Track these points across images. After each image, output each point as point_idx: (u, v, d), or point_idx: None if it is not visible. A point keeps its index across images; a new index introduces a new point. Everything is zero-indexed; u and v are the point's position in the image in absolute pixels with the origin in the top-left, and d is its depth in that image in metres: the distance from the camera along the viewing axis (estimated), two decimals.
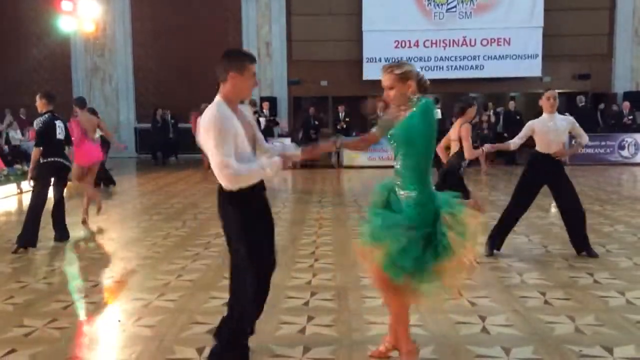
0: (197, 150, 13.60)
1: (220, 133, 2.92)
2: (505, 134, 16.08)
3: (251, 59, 3.15)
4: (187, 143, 16.72)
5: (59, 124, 6.71)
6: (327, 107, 18.52)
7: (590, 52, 17.90)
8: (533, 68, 17.55)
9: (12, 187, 10.95)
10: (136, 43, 18.43)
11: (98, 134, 9.02)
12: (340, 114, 16.44)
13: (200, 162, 15.14)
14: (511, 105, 16.26)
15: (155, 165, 16.80)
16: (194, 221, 8.04)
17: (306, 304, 4.43)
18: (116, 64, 18.44)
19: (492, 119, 15.96)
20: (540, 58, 17.50)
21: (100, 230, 7.49)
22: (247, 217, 3.09)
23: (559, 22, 17.38)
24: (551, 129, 5.64)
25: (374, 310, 4.23)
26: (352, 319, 4.11)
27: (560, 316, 4.08)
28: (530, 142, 5.85)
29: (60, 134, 6.65)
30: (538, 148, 5.78)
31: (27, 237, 6.34)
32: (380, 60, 17.61)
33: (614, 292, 4.59)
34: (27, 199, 9.69)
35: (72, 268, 5.86)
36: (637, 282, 4.86)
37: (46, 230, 7.76)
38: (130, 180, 13.57)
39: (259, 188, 3.17)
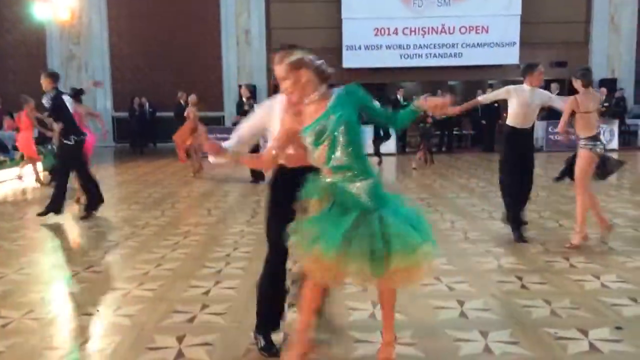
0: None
1: None
2: (483, 121, 16.24)
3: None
4: (165, 131, 16.67)
5: (66, 98, 7.09)
6: None
7: (567, 39, 18.06)
8: (511, 55, 17.66)
9: None
10: (112, 30, 18.15)
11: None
12: None
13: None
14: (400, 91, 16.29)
15: (133, 154, 16.62)
16: (173, 210, 7.99)
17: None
18: (92, 51, 18.14)
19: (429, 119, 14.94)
20: (517, 45, 17.62)
21: (78, 220, 7.41)
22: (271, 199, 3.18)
23: (537, 10, 17.50)
24: (529, 102, 5.71)
25: (354, 295, 4.26)
26: (333, 305, 4.11)
27: (537, 300, 4.14)
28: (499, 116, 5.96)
29: (72, 108, 7.02)
30: (511, 122, 5.85)
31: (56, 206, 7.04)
32: (360, 48, 17.62)
33: (589, 276, 4.67)
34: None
35: (49, 258, 5.80)
36: (612, 266, 4.95)
37: (23, 220, 7.65)
38: (108, 169, 13.41)
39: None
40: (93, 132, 10.64)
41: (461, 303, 4.08)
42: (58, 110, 6.97)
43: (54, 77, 7.10)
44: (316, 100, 2.82)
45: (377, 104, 2.96)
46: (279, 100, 3.04)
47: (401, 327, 3.65)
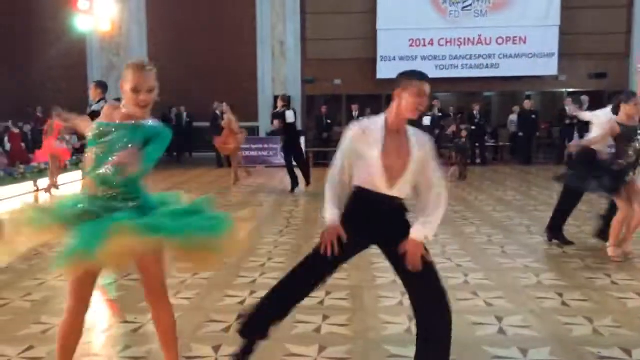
0: (212, 149, 13.62)
1: None
2: (521, 133, 15.99)
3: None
4: (202, 141, 16.90)
5: None
6: (340, 106, 18.51)
7: (607, 50, 17.70)
8: (549, 67, 17.39)
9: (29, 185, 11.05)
10: (151, 41, 18.52)
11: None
12: (353, 113, 16.45)
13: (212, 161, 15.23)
14: (527, 104, 16.13)
15: (169, 163, 16.87)
16: None
17: (321, 302, 4.43)
18: None
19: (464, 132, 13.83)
20: (556, 56, 17.34)
21: None
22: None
23: (576, 20, 17.20)
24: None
25: (390, 309, 4.23)
26: (367, 318, 4.10)
27: (578, 317, 4.04)
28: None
29: None
30: (598, 147, 5.71)
31: None
32: (394, 59, 17.58)
33: (632, 294, 4.54)
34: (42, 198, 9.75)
35: None
36: None
37: None
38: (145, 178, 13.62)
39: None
40: None
41: (500, 319, 4.01)
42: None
43: (102, 86, 7.30)
44: (131, 114, 2.71)
45: (155, 157, 2.69)
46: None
47: None
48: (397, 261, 3.00)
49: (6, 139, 14.50)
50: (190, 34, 17.96)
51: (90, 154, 2.69)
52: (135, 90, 2.65)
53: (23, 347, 3.59)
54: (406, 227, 2.98)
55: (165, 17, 18.15)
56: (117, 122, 2.70)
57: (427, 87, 2.98)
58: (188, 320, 4.05)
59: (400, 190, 3.00)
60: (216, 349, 3.54)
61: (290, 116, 10.88)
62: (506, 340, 3.70)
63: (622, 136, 5.42)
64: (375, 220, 3.01)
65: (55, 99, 15.46)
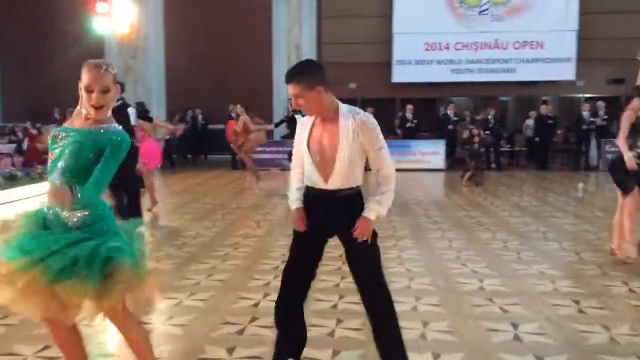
0: (227, 151, 13.71)
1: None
2: (537, 139, 15.86)
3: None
4: (217, 144, 16.98)
5: (130, 110, 7.23)
6: None
7: (626, 56, 17.48)
8: (566, 72, 17.24)
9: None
10: (168, 45, 18.65)
11: None
12: None
13: (227, 163, 15.29)
14: (544, 109, 16.00)
15: (185, 165, 16.98)
16: (223, 222, 8.10)
17: (335, 307, 4.42)
18: (148, 65, 18.68)
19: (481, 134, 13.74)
20: (574, 62, 17.19)
21: None
22: None
23: (595, 25, 17.04)
24: None
25: (404, 314, 4.20)
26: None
27: (595, 325, 4.00)
28: None
29: (134, 120, 7.18)
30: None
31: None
32: (410, 63, 17.55)
33: None
34: None
35: None
36: None
37: None
38: (160, 180, 13.73)
39: None
40: (159, 142, 10.95)
41: (515, 326, 3.97)
42: (120, 120, 7.20)
43: (120, 87, 7.35)
44: (90, 118, 2.64)
45: (109, 166, 2.58)
46: None
47: (453, 349, 3.59)
48: (348, 252, 3.09)
49: (26, 140, 14.68)
50: (207, 38, 18.06)
51: (49, 158, 2.64)
52: (88, 89, 2.57)
53: (39, 347, 3.62)
54: (358, 216, 3.01)
55: (183, 21, 18.27)
56: (76, 127, 2.63)
57: (289, 89, 2.96)
58: (202, 322, 4.07)
59: (337, 182, 2.98)
60: (230, 351, 3.54)
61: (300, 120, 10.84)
62: (522, 347, 3.66)
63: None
64: (323, 215, 3.04)
65: (74, 101, 15.54)
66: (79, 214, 2.58)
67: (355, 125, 2.93)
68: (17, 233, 2.54)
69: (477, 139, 12.54)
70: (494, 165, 15.64)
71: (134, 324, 2.79)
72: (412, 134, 16.14)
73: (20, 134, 15.15)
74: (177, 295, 4.66)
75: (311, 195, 3.08)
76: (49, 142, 2.64)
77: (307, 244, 3.12)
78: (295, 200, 3.16)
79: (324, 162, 2.97)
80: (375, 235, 3.06)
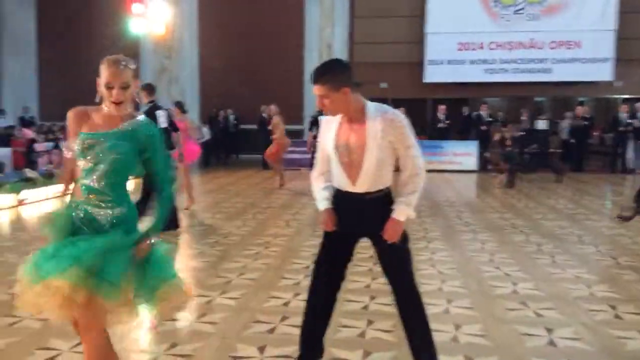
0: (258, 150, 13.77)
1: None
2: (572, 140, 15.54)
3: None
4: (248, 143, 17.12)
5: (161, 112, 7.23)
6: None
7: None
8: (604, 72, 16.86)
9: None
10: (202, 45, 18.87)
11: None
12: None
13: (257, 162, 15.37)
14: (579, 110, 15.67)
15: (217, 164, 17.15)
16: (254, 220, 8.15)
17: (365, 307, 4.41)
18: (182, 65, 18.93)
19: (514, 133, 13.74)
20: (611, 62, 16.80)
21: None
22: None
23: (634, 25, 16.62)
24: None
25: (436, 317, 4.16)
26: None
27: (632, 331, 3.90)
28: None
29: (163, 122, 7.14)
30: None
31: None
32: (442, 62, 17.39)
33: None
34: None
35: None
36: None
37: None
38: (193, 179, 13.88)
39: None
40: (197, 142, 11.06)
41: (549, 331, 3.90)
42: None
43: (151, 89, 7.38)
44: (117, 116, 2.62)
45: (164, 159, 2.70)
46: None
47: (486, 353, 3.54)
48: (379, 254, 3.08)
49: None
50: (240, 38, 18.21)
51: (80, 166, 2.62)
52: (108, 86, 2.56)
53: (74, 342, 3.69)
54: (387, 217, 2.97)
55: (216, 21, 18.46)
56: (102, 131, 2.60)
57: (314, 90, 2.90)
58: (234, 320, 4.10)
59: (365, 184, 2.92)
60: (261, 349, 3.56)
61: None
62: (556, 352, 3.60)
63: None
64: (352, 217, 3.00)
65: None
66: (113, 212, 2.60)
67: (383, 124, 2.86)
68: (56, 239, 2.55)
69: (509, 142, 12.37)
70: (527, 167, 15.35)
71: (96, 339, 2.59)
72: (444, 135, 15.99)
73: (57, 133, 15.49)
74: (209, 293, 4.70)
75: (339, 198, 3.03)
76: (78, 151, 2.60)
77: (337, 244, 3.10)
78: (322, 199, 3.10)
79: (351, 164, 2.91)
80: (406, 237, 3.02)
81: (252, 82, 18.07)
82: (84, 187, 2.60)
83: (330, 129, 2.99)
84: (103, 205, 2.59)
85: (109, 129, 2.61)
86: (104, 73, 2.57)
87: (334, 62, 3.03)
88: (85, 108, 2.68)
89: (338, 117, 2.98)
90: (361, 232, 3.08)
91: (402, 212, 2.94)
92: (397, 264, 3.05)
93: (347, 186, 2.96)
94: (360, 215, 2.99)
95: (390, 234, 2.93)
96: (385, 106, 2.97)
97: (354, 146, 2.90)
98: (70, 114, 2.65)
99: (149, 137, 2.64)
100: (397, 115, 2.92)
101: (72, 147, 2.65)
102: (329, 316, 3.22)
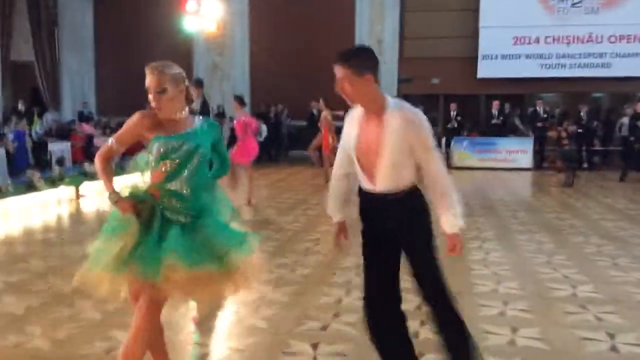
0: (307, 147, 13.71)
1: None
2: (632, 138, 14.92)
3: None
4: (298, 140, 17.18)
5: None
6: (437, 106, 18.16)
7: None
8: None
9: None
10: (253, 41, 19.04)
11: None
12: (451, 113, 16.08)
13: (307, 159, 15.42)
14: (639, 106, 15.01)
15: (268, 161, 17.28)
16: (304, 216, 8.18)
17: (418, 307, 4.33)
18: (234, 62, 19.16)
19: (570, 130, 13.55)
20: None
21: None
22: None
23: None
24: None
25: (491, 319, 4.08)
26: (468, 326, 3.97)
27: None
28: None
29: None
30: None
31: None
32: (497, 57, 17.01)
33: None
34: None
35: None
36: None
37: None
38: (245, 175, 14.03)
39: None
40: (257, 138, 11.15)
41: (611, 336, 3.76)
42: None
43: (195, 84, 7.50)
44: (179, 119, 2.73)
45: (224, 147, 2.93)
46: None
47: (544, 357, 3.45)
48: (408, 254, 2.86)
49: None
50: (290, 34, 18.28)
51: (161, 169, 2.68)
52: (149, 91, 2.68)
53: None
54: (414, 216, 2.79)
55: (267, 18, 18.59)
56: (175, 133, 2.69)
57: (336, 70, 2.72)
58: (286, 316, 4.12)
59: (383, 184, 2.74)
60: (314, 346, 3.57)
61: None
62: (619, 358, 3.47)
63: None
64: (378, 219, 2.86)
65: None
66: (185, 219, 2.68)
67: (401, 120, 2.66)
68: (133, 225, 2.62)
69: (565, 141, 12.00)
70: (585, 165, 14.88)
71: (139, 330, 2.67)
72: (498, 131, 15.65)
73: (115, 127, 15.93)
74: (263, 288, 4.74)
75: (364, 198, 2.88)
76: (160, 156, 2.67)
77: (376, 252, 2.92)
78: (334, 210, 3.00)
79: (369, 163, 2.75)
80: (432, 248, 2.82)
81: (302, 78, 18.11)
82: (165, 191, 2.67)
83: (353, 124, 2.83)
84: (184, 211, 2.67)
85: (180, 132, 2.71)
86: (146, 80, 2.69)
87: (363, 47, 2.90)
88: (155, 116, 2.72)
89: (360, 113, 2.80)
90: (387, 234, 2.88)
91: (454, 226, 2.76)
92: (424, 271, 2.85)
93: (368, 186, 2.81)
94: (383, 216, 2.84)
95: (452, 249, 2.81)
96: (405, 103, 2.79)
97: (372, 144, 2.73)
98: (142, 119, 2.71)
99: (217, 129, 2.84)
100: (417, 113, 2.73)
101: (120, 147, 2.74)
102: (396, 326, 3.00)
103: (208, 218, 2.70)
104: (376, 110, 2.72)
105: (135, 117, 2.73)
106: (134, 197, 2.66)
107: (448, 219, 2.75)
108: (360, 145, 2.75)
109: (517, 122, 15.55)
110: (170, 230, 2.60)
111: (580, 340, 3.71)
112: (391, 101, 2.75)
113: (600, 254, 6.00)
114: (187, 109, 2.78)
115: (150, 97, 2.68)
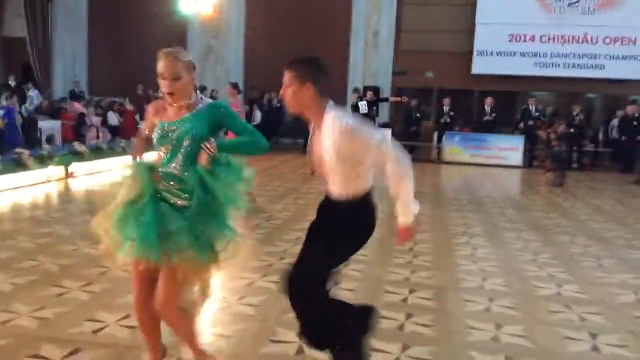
0: (299, 135, 13.72)
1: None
2: (624, 138, 15.04)
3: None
4: (290, 127, 17.13)
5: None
6: (431, 100, 18.19)
7: None
8: None
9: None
10: (248, 26, 18.91)
11: None
12: (444, 107, 16.10)
13: (299, 148, 15.40)
14: (630, 109, 15.12)
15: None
16: (295, 205, 8.19)
17: (404, 300, 4.39)
18: (229, 46, 19.03)
19: (560, 131, 12.97)
20: None
21: None
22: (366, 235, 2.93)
23: None
24: None
25: (476, 314, 4.13)
26: (452, 321, 4.02)
27: None
28: None
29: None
30: None
31: None
32: (491, 54, 17.05)
33: None
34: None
35: None
36: None
37: None
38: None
39: None
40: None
41: (594, 336, 3.82)
42: None
43: (234, 86, 7.85)
44: (183, 105, 2.74)
45: (240, 121, 2.87)
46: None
47: (527, 354, 3.49)
48: (315, 237, 3.00)
49: (114, 114, 15.30)
50: (287, 21, 18.18)
51: (160, 153, 2.75)
52: (161, 77, 2.67)
53: (120, 315, 3.78)
54: (350, 223, 2.85)
55: (263, 3, 18.47)
56: (177, 119, 2.72)
57: (285, 76, 2.83)
58: (274, 303, 4.14)
59: (335, 191, 2.83)
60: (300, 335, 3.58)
61: (362, 107, 10.98)
62: (600, 358, 3.52)
63: None
64: (324, 218, 2.98)
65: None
66: (181, 202, 2.70)
67: (330, 132, 2.69)
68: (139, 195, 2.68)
69: (555, 142, 12.07)
70: (575, 165, 14.99)
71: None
72: (490, 128, 15.71)
73: (105, 107, 15.81)
74: (251, 275, 4.76)
75: (324, 197, 2.96)
76: (157, 140, 2.73)
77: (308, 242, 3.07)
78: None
79: (323, 169, 2.84)
80: (335, 249, 2.87)
81: None
82: (163, 174, 2.72)
83: (312, 132, 2.90)
84: (183, 195, 2.69)
85: (179, 117, 2.74)
86: (158, 65, 2.68)
87: (312, 58, 2.95)
88: (163, 102, 2.80)
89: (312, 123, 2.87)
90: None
91: (404, 215, 2.76)
92: (308, 254, 2.97)
93: (328, 188, 2.90)
94: (328, 217, 2.93)
95: (402, 240, 2.86)
96: (338, 113, 2.76)
97: (319, 153, 2.82)
98: (150, 107, 2.86)
99: (218, 109, 2.78)
100: (343, 123, 2.68)
101: (145, 131, 2.90)
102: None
103: (203, 204, 2.70)
104: (317, 120, 2.81)
105: (148, 109, 2.90)
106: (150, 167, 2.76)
107: (399, 212, 2.78)
108: (312, 152, 2.88)
109: None
110: (169, 213, 2.65)
111: (563, 339, 3.77)
112: (330, 114, 2.75)
113: (586, 254, 6.07)
114: (193, 94, 2.80)
115: (161, 82, 2.68)
